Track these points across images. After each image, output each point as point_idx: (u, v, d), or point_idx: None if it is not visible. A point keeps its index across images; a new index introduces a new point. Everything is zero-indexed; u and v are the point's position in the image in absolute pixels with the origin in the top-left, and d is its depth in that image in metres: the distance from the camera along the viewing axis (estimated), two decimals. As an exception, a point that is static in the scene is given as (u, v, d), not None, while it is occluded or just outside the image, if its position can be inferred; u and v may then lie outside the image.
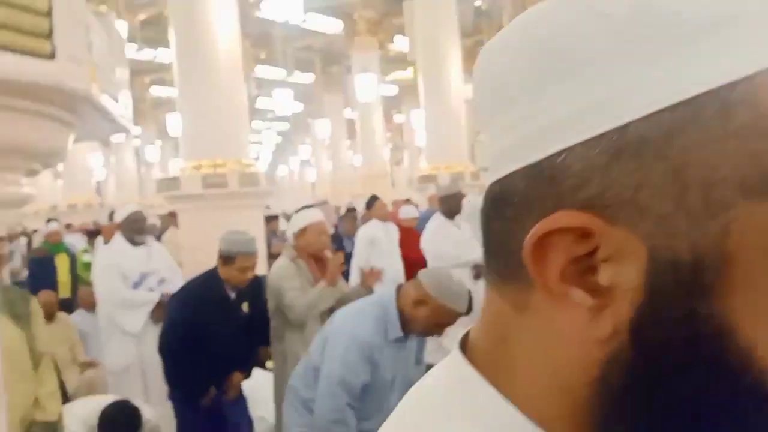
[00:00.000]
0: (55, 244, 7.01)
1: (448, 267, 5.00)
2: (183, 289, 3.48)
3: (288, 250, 3.56)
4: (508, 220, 0.35)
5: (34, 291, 4.08)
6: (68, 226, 10.69)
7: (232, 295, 3.36)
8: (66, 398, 3.13)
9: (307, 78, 17.79)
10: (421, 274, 2.54)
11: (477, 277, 5.11)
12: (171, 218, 7.60)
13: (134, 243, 4.31)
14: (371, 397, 2.47)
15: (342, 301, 3.37)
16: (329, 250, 3.50)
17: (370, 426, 2.47)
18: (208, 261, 5.17)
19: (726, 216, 0.30)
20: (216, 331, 3.20)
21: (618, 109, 0.31)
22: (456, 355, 0.39)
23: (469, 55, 11.36)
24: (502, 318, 0.37)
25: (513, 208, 0.34)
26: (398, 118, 23.03)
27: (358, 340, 2.43)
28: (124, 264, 4.20)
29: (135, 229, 4.34)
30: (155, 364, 3.58)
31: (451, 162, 8.73)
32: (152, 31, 12.94)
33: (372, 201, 6.43)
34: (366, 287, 3.59)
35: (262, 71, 15.79)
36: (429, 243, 5.26)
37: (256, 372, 3.92)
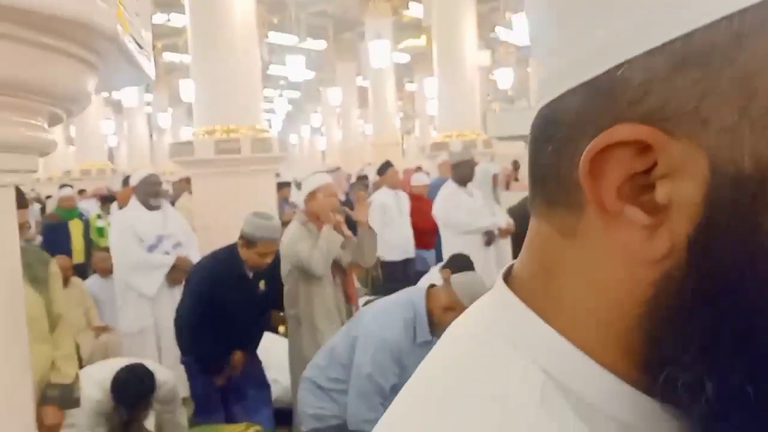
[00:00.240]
0: (68, 210, 7.04)
1: (460, 233, 5.03)
2: (202, 264, 3.49)
3: (299, 216, 3.64)
4: (559, 142, 0.34)
5: (48, 257, 4.12)
6: (81, 192, 10.75)
7: (250, 274, 3.38)
8: (80, 363, 3.16)
9: (319, 45, 17.63)
10: (454, 280, 2.54)
11: (488, 243, 5.11)
12: (185, 184, 7.63)
13: (149, 206, 4.33)
14: None
15: (350, 248, 3.47)
16: (338, 213, 3.55)
17: None
18: (220, 227, 5.23)
19: None
20: (232, 308, 3.25)
21: (685, 15, 0.29)
22: (499, 285, 0.39)
23: (484, 21, 11.22)
24: (547, 246, 0.36)
25: (566, 129, 0.33)
26: (409, 87, 22.84)
27: (387, 342, 2.46)
28: (139, 227, 4.22)
29: (150, 192, 4.36)
30: (170, 327, 3.63)
31: (464, 130, 8.68)
32: (165, -4, 12.84)
33: (385, 167, 6.42)
34: (360, 221, 3.61)
35: (275, 37, 15.64)
36: (440, 210, 5.26)
37: (269, 336, 3.97)
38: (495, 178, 5.62)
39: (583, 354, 0.34)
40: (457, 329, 0.41)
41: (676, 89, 0.30)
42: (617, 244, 0.32)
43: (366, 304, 3.91)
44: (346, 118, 18.92)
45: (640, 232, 0.32)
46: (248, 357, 3.46)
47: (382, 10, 12.97)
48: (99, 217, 7.62)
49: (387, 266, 6.08)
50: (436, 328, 2.51)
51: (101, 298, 5.02)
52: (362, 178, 9.26)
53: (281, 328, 4.41)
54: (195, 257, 4.38)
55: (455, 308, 2.45)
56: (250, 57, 5.55)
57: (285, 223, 5.90)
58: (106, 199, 8.33)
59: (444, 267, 4.33)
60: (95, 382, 3.00)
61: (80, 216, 7.12)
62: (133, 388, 2.97)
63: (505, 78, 17.13)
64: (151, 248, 4.24)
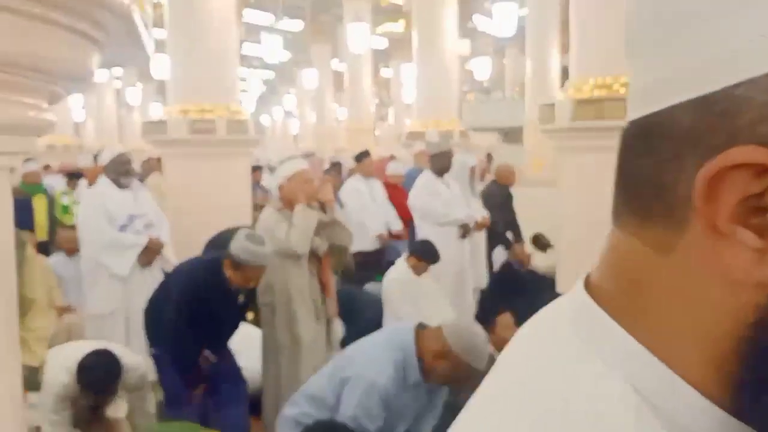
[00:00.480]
0: (32, 185, 6.85)
1: (436, 224, 5.00)
2: (186, 271, 3.38)
3: (274, 202, 3.61)
4: (664, 157, 0.33)
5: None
6: (46, 167, 10.47)
7: (233, 287, 3.31)
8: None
9: (295, 25, 17.39)
10: (446, 328, 2.50)
11: (463, 236, 5.10)
12: (154, 163, 7.47)
13: (120, 185, 4.24)
14: None
15: (327, 227, 3.50)
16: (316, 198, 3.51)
17: None
18: (192, 208, 5.12)
19: None
20: (213, 316, 3.21)
21: None
22: (582, 296, 0.38)
23: (462, 10, 11.15)
24: (635, 260, 0.36)
25: (672, 144, 0.33)
26: (385, 73, 22.70)
27: (377, 386, 2.41)
28: (110, 205, 4.12)
29: (121, 171, 4.26)
30: (140, 310, 3.53)
31: (441, 119, 8.63)
32: (137, -31, 12.51)
33: (362, 156, 6.36)
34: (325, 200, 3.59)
35: (250, 15, 15.39)
36: (417, 200, 5.23)
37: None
38: (472, 170, 5.60)
39: (673, 373, 0.34)
40: (535, 341, 0.40)
41: None
42: (724, 265, 0.32)
43: (338, 292, 3.87)
44: (320, 102, 18.71)
45: (750, 254, 0.31)
46: (222, 351, 3.39)
47: (362, -8, 12.83)
48: (64, 194, 7.42)
49: (358, 255, 6.03)
50: (427, 374, 2.47)
51: (65, 276, 4.88)
52: (335, 165, 9.16)
53: (249, 315, 4.34)
54: (165, 238, 4.30)
55: (446, 355, 2.40)
56: (227, 35, 5.43)
57: (257, 207, 5.84)
58: (73, 176, 8.10)
59: (410, 254, 4.31)
60: (62, 364, 2.90)
61: (45, 192, 6.93)
62: (100, 374, 2.88)
63: (482, 68, 17.14)
64: (123, 228, 4.14)
